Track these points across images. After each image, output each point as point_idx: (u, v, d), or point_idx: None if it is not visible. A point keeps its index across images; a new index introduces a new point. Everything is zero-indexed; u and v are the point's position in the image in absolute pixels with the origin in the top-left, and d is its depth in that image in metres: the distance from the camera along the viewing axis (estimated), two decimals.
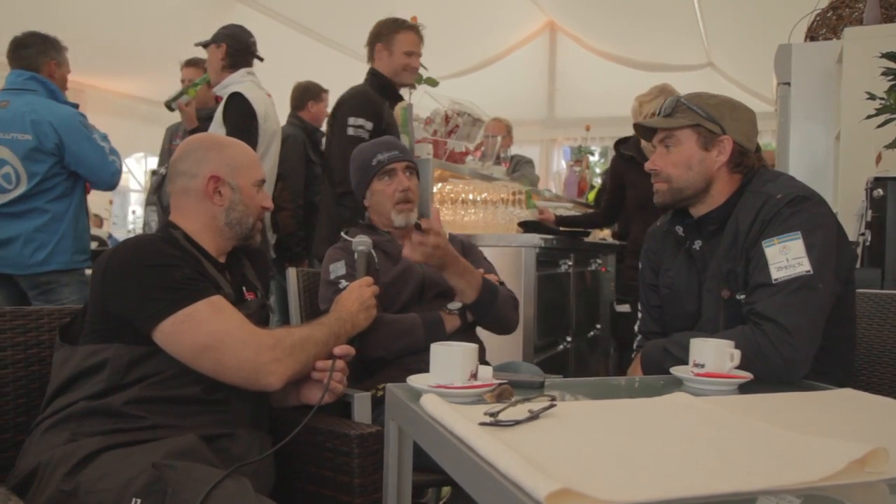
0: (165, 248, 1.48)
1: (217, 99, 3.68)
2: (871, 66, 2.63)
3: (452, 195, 3.41)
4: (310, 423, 1.48)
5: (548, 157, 9.54)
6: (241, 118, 3.06)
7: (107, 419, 1.37)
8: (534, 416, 1.03)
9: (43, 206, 2.93)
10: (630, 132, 3.23)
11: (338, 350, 1.59)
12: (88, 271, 3.20)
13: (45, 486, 1.28)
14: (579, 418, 1.08)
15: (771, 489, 0.80)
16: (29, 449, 1.38)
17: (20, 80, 2.99)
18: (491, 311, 2.00)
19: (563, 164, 7.97)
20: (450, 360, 1.22)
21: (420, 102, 3.42)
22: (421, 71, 3.28)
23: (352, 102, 3.03)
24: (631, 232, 3.51)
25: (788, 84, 3.56)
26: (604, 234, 5.29)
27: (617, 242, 4.69)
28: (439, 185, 3.38)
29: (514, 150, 5.37)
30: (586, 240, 3.87)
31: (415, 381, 1.24)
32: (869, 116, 2.56)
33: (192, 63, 3.99)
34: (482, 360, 1.79)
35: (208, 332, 1.40)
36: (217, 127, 3.10)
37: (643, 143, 3.29)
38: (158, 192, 3.59)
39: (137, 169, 9.15)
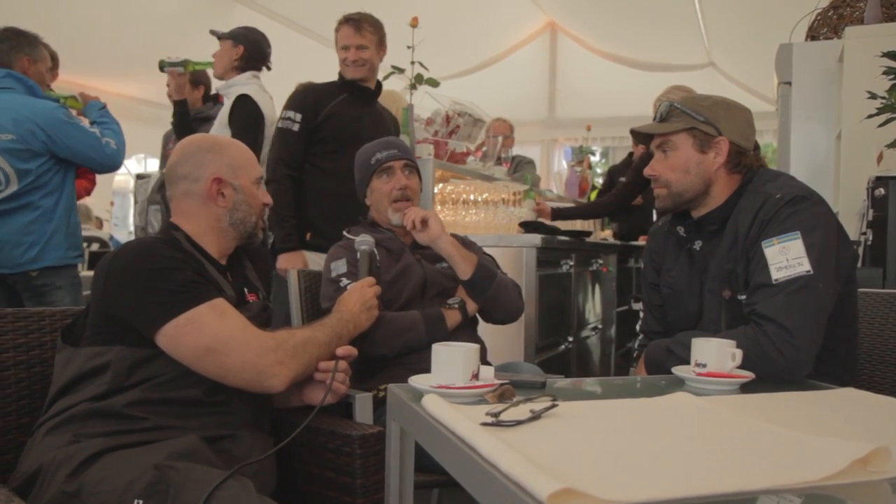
0: (167, 251, 1.48)
1: (219, 99, 3.68)
2: (872, 65, 2.63)
3: (453, 195, 3.41)
4: (311, 423, 1.48)
5: (549, 158, 9.54)
6: (249, 120, 3.08)
7: (109, 421, 1.37)
8: (535, 417, 1.03)
9: (35, 201, 2.84)
10: None
11: (340, 351, 1.59)
12: (84, 272, 3.18)
13: (48, 488, 1.28)
14: (581, 418, 1.08)
15: (773, 488, 0.79)
16: (31, 450, 1.38)
17: None
18: (488, 289, 2.03)
19: (564, 164, 7.97)
20: (451, 360, 1.22)
21: (421, 103, 3.42)
22: (422, 71, 3.28)
23: (291, 96, 3.05)
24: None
25: (789, 83, 3.56)
26: (605, 234, 5.30)
27: (618, 243, 4.69)
28: (440, 185, 3.39)
29: (514, 150, 5.37)
30: (587, 240, 3.87)
31: (416, 381, 1.24)
32: (870, 116, 2.56)
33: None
34: (483, 361, 1.79)
35: (211, 336, 1.40)
36: (221, 128, 3.11)
37: None
38: (161, 191, 3.58)
39: (138, 170, 9.16)
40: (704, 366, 1.38)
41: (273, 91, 3.33)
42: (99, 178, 3.80)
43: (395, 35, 3.19)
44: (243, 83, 3.18)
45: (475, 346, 1.24)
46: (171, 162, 1.64)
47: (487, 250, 2.31)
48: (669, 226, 1.87)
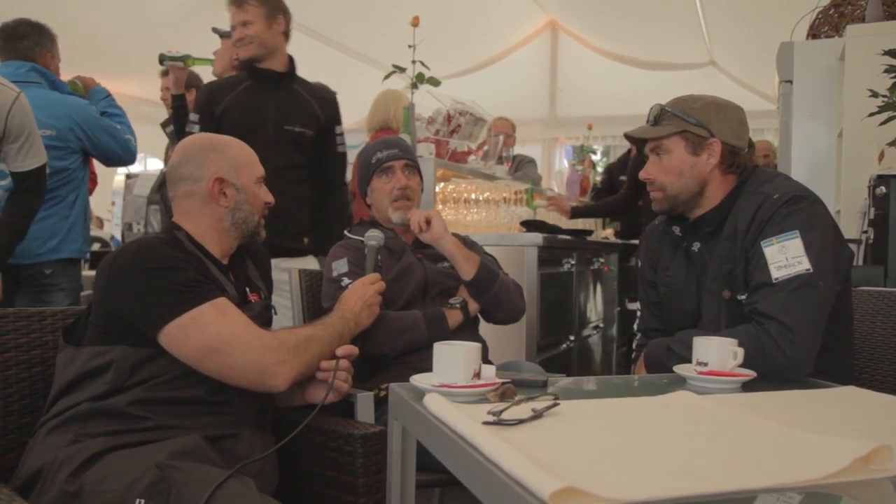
0: (169, 251, 1.48)
1: None
2: (874, 63, 2.63)
3: (455, 195, 3.41)
4: (313, 422, 1.49)
5: (550, 157, 9.54)
6: None
7: (111, 420, 1.37)
8: (537, 415, 1.03)
9: (62, 195, 2.87)
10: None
11: (340, 351, 1.59)
12: (85, 272, 3.16)
13: (49, 487, 1.28)
14: (582, 417, 1.08)
15: (775, 487, 0.79)
16: (33, 450, 1.38)
17: (22, 73, 2.84)
18: (490, 290, 2.03)
19: (566, 163, 7.97)
20: (453, 359, 1.22)
21: (422, 102, 3.42)
22: (423, 71, 3.28)
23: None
24: None
25: (790, 82, 3.56)
26: (606, 234, 5.30)
27: (619, 241, 4.70)
28: (441, 184, 3.39)
29: (515, 149, 5.37)
30: (589, 239, 3.87)
31: (418, 380, 1.24)
32: (871, 114, 2.56)
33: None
34: (485, 360, 1.79)
35: (213, 335, 1.40)
36: None
37: None
38: (161, 191, 3.58)
39: (138, 169, 9.16)
40: (706, 364, 1.38)
41: None
42: (99, 178, 3.80)
43: (395, 35, 3.19)
44: None
45: (476, 345, 1.24)
46: (172, 162, 1.64)
47: (488, 249, 2.31)
48: (665, 225, 1.87)
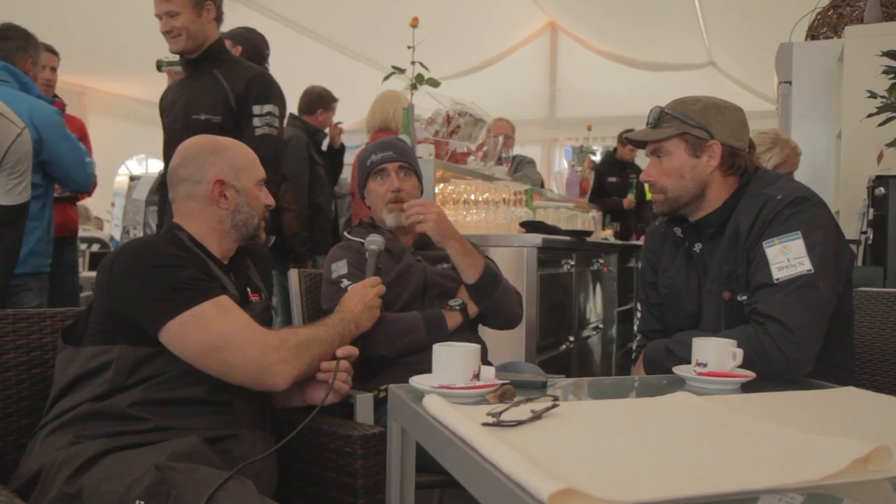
0: (171, 249, 1.48)
1: None
2: (872, 64, 2.63)
3: (454, 195, 3.41)
4: (313, 424, 1.49)
5: (549, 157, 9.55)
6: None
7: (110, 422, 1.37)
8: (536, 417, 1.03)
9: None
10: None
11: (340, 352, 1.59)
12: (85, 272, 3.11)
13: (49, 489, 1.28)
14: (582, 418, 1.08)
15: (774, 488, 0.79)
16: (32, 452, 1.38)
17: None
18: (492, 295, 2.02)
19: (565, 164, 7.97)
20: (452, 360, 1.22)
21: (422, 103, 3.42)
22: (422, 72, 3.28)
23: None
24: None
25: (789, 83, 3.56)
26: (605, 234, 5.30)
27: (619, 242, 4.70)
28: (441, 185, 3.39)
29: (515, 150, 5.37)
30: (588, 240, 3.87)
31: (417, 381, 1.24)
32: (870, 115, 2.57)
33: None
34: (484, 361, 1.79)
35: (215, 333, 1.40)
36: None
37: None
38: (159, 192, 3.57)
39: (139, 170, 9.16)
40: (705, 365, 1.39)
41: None
42: (99, 178, 3.80)
43: (395, 36, 3.19)
44: None
45: (476, 347, 1.24)
46: (173, 164, 1.64)
47: (488, 250, 2.31)
48: (666, 227, 1.87)
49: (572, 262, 3.39)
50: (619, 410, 1.18)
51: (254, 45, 3.29)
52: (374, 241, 1.96)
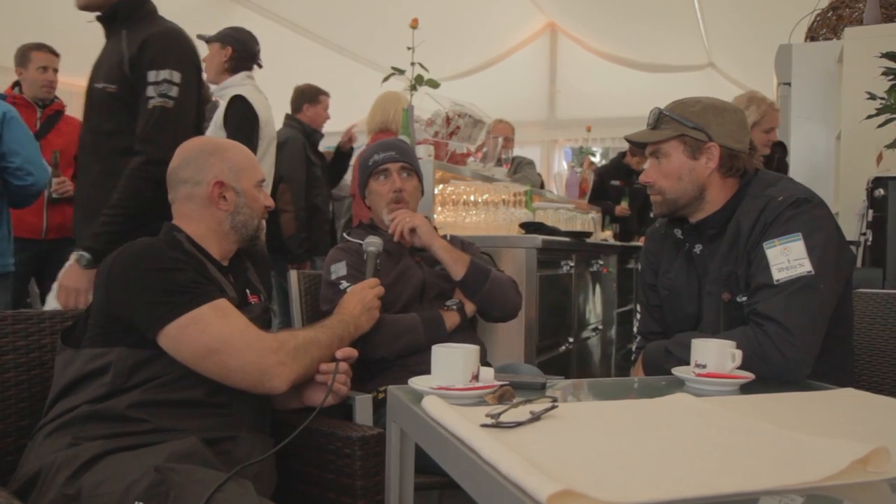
0: (169, 252, 1.48)
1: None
2: (872, 65, 2.63)
3: (454, 197, 3.41)
4: (311, 425, 1.49)
5: (549, 158, 9.55)
6: (243, 121, 3.06)
7: (109, 423, 1.37)
8: (535, 418, 1.03)
9: None
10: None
11: (339, 353, 1.59)
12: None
13: (47, 491, 1.28)
14: (581, 419, 1.08)
15: (773, 489, 0.79)
16: (31, 453, 1.38)
17: None
18: (482, 287, 2.04)
19: (565, 165, 7.97)
20: (451, 361, 1.22)
21: (421, 104, 3.42)
22: (422, 73, 3.28)
23: None
24: None
25: (789, 84, 3.57)
26: (605, 235, 5.30)
27: (619, 243, 4.69)
28: (440, 186, 3.38)
29: (514, 151, 5.37)
30: (588, 241, 3.87)
31: (416, 382, 1.24)
32: (869, 116, 2.57)
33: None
34: (483, 362, 1.79)
35: (213, 336, 1.40)
36: (217, 129, 3.10)
37: None
38: None
39: None
40: (704, 366, 1.39)
41: (270, 92, 3.33)
42: None
43: (395, 37, 3.19)
44: (237, 84, 3.17)
45: (475, 348, 1.24)
46: (172, 165, 1.64)
47: (488, 251, 2.31)
48: (666, 228, 1.87)
49: (572, 264, 3.38)
50: (618, 412, 1.18)
51: (243, 44, 3.28)
52: (372, 243, 1.96)
